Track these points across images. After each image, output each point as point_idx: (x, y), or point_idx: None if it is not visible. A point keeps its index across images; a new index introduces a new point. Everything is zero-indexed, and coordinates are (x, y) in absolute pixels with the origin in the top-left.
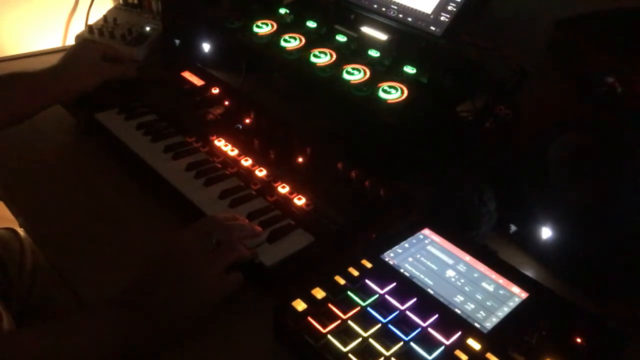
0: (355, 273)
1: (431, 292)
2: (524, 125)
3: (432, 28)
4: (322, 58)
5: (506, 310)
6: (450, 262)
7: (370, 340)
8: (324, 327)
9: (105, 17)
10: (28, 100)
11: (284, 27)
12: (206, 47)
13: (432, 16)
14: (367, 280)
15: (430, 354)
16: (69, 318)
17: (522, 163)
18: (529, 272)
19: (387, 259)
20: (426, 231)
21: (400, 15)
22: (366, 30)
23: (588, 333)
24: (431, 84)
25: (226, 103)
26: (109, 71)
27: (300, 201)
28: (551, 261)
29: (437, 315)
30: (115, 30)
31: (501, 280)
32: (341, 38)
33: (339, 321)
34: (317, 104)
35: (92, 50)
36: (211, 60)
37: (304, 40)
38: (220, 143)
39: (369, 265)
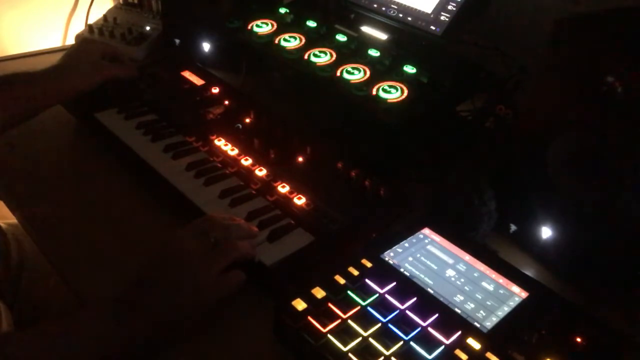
0: (355, 272)
1: (431, 291)
2: (524, 124)
3: (432, 27)
4: (322, 57)
5: (506, 309)
6: (450, 261)
7: (370, 339)
8: (324, 326)
9: (105, 16)
10: (29, 100)
11: (284, 26)
12: (206, 47)
13: (432, 16)
14: (367, 280)
15: (430, 354)
16: (67, 318)
17: (522, 163)
18: (529, 272)
19: (387, 259)
20: (426, 231)
21: (400, 15)
22: (366, 29)
23: (588, 333)
24: (431, 84)
25: (226, 103)
26: (109, 70)
27: (300, 201)
28: (551, 261)
29: (437, 315)
30: (115, 29)
31: (501, 279)
32: (341, 37)
33: (339, 320)
34: (317, 104)
35: (92, 49)
36: (211, 60)
37: (303, 40)
38: (220, 142)
39: (369, 264)
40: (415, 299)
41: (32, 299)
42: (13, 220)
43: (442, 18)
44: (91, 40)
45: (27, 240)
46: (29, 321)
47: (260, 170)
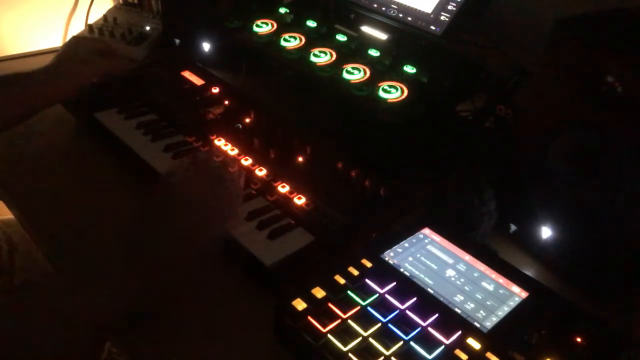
0: (355, 272)
1: (431, 291)
2: (524, 124)
3: (432, 27)
4: (322, 57)
5: (506, 309)
6: (450, 261)
7: (370, 339)
8: (324, 326)
9: (105, 16)
10: (27, 101)
11: (284, 26)
12: (206, 47)
13: (432, 15)
14: (367, 280)
15: (430, 354)
16: None
17: (522, 163)
18: (529, 272)
19: (387, 259)
20: (426, 231)
21: (401, 15)
22: (366, 29)
23: (588, 333)
24: (431, 84)
25: (226, 103)
26: (105, 66)
27: (300, 200)
28: (551, 261)
29: (437, 315)
30: (115, 29)
31: (501, 279)
32: (341, 37)
33: (339, 320)
34: (317, 104)
35: (85, 46)
36: (211, 60)
37: (304, 40)
38: (220, 142)
39: (369, 264)
40: (415, 299)
41: (27, 282)
42: (4, 216)
43: (442, 18)
44: (84, 38)
45: (18, 236)
46: None
47: (261, 170)
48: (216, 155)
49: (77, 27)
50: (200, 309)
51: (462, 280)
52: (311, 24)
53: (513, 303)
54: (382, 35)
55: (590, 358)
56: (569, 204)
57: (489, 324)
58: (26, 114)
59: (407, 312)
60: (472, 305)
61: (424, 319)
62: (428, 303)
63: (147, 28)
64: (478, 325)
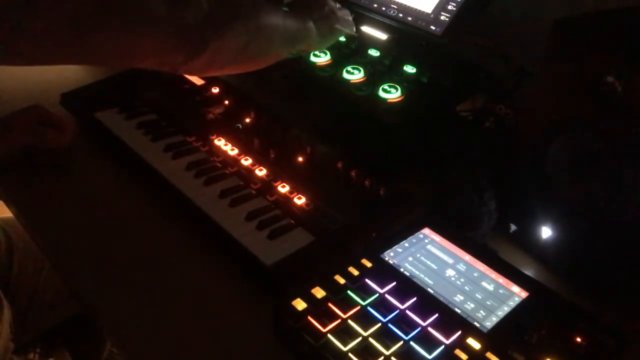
0: (355, 272)
1: (431, 291)
2: (524, 124)
3: (432, 27)
4: (321, 57)
5: (506, 309)
6: (450, 261)
7: (370, 339)
8: (324, 326)
9: None
10: None
11: None
12: None
13: (432, 15)
14: (367, 280)
15: (430, 354)
16: None
17: (522, 162)
18: (529, 272)
19: (387, 259)
20: (426, 230)
21: (400, 15)
22: (366, 29)
23: (588, 333)
24: (431, 84)
25: (226, 103)
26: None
27: (300, 200)
28: (551, 261)
29: (437, 315)
30: None
31: (501, 279)
32: (341, 37)
33: (339, 320)
34: (317, 104)
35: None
36: None
37: None
38: (220, 142)
39: (368, 264)
40: (415, 298)
41: (25, 290)
42: (3, 214)
43: (442, 18)
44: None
45: (16, 232)
46: (22, 312)
47: (260, 170)
48: (216, 156)
49: None
50: (200, 310)
51: (462, 280)
52: None
53: (513, 303)
54: (382, 36)
55: (590, 358)
56: (569, 204)
57: (489, 324)
58: None
59: (407, 312)
60: (472, 305)
61: (424, 319)
62: (428, 303)
63: None
64: (478, 325)
